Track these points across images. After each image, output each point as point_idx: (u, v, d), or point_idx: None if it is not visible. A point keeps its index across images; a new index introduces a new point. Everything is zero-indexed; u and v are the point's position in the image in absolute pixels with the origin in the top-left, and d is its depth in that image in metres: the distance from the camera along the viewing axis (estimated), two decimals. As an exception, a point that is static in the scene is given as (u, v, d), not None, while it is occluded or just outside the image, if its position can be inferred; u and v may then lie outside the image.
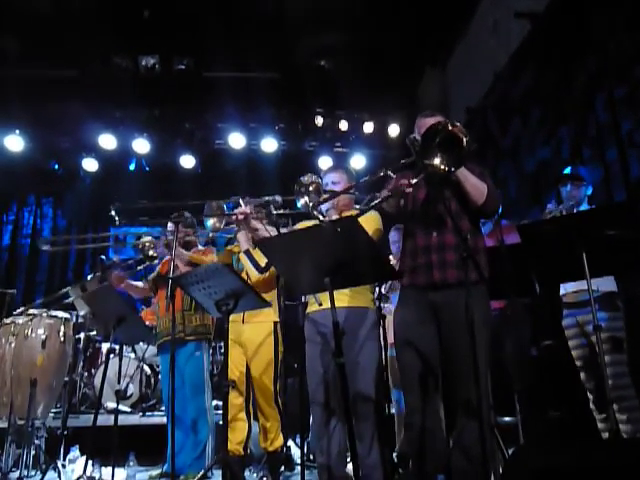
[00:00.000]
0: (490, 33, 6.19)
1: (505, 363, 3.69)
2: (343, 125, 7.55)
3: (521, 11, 5.35)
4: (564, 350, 3.68)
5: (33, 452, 4.17)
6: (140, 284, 4.16)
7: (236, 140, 7.51)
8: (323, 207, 3.13)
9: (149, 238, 3.79)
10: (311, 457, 4.33)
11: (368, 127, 7.64)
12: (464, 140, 2.29)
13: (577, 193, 3.58)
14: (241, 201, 3.35)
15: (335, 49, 7.08)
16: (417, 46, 6.98)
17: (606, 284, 3.35)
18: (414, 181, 2.48)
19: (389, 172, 2.54)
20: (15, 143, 7.25)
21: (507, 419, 4.04)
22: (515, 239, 3.02)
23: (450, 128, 2.34)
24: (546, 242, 2.74)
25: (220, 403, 5.05)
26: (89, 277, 4.45)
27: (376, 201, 2.63)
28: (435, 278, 2.55)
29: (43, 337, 4.23)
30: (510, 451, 3.17)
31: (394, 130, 7.58)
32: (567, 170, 3.75)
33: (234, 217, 3.37)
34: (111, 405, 5.24)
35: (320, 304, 2.99)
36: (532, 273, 3.04)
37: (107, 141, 7.35)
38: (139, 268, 4.08)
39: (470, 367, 2.20)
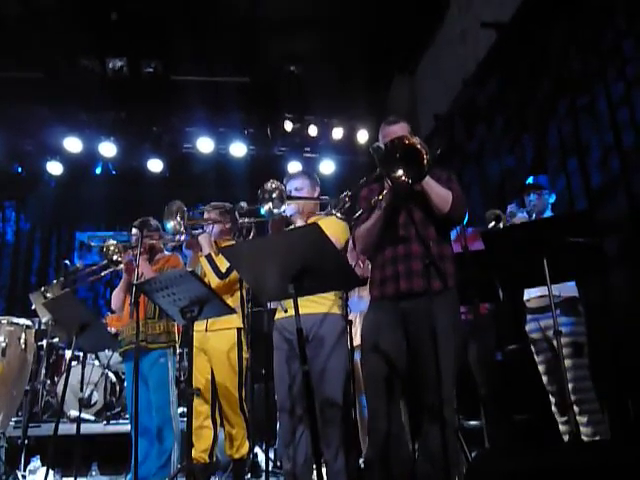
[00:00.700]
0: (458, 41, 6.28)
1: (470, 367, 3.74)
2: (312, 130, 7.55)
3: (487, 21, 5.44)
4: (528, 354, 3.75)
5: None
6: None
7: (204, 144, 7.46)
8: (288, 212, 3.14)
9: (113, 242, 3.72)
10: (278, 464, 4.32)
11: (337, 133, 7.66)
12: (424, 154, 2.33)
13: (540, 202, 3.66)
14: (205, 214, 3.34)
15: (305, 54, 7.10)
16: (386, 53, 7.05)
17: (568, 289, 3.43)
18: (381, 199, 2.50)
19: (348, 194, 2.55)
20: (-22, 147, 7.08)
21: (472, 423, 4.09)
22: (480, 246, 3.06)
23: (408, 142, 2.38)
24: (508, 248, 2.79)
25: (185, 410, 5.00)
26: (52, 282, 4.36)
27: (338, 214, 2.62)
28: (402, 288, 2.57)
29: (3, 345, 4.14)
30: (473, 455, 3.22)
31: (363, 136, 7.62)
32: (530, 180, 3.83)
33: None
34: (74, 413, 5.14)
35: (286, 310, 2.99)
36: (495, 279, 3.09)
37: (72, 144, 7.22)
38: (103, 274, 4.00)
39: (434, 372, 2.21)
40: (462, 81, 6.10)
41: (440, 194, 2.59)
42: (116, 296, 4.00)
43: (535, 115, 4.96)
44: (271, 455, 4.34)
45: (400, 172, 2.39)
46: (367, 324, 2.70)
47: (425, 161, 2.32)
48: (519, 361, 4.05)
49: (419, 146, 2.35)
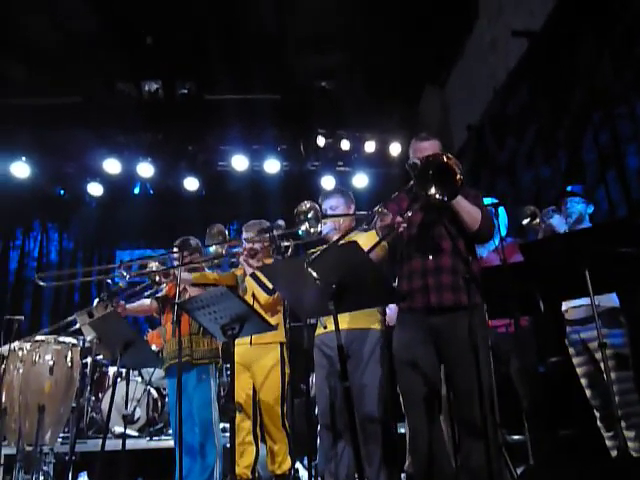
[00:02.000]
0: (488, 51, 6.26)
1: (512, 381, 3.69)
2: (345, 145, 7.60)
3: (518, 29, 5.41)
4: (571, 367, 3.68)
5: (41, 478, 4.16)
6: (145, 302, 4.16)
7: (239, 162, 7.57)
8: (325, 231, 3.17)
9: (155, 265, 3.79)
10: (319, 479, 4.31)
11: (370, 146, 7.69)
12: (458, 172, 2.35)
13: (578, 210, 3.60)
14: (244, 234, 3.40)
15: (336, 69, 7.17)
16: (417, 65, 7.06)
17: (608, 300, 3.36)
18: (408, 215, 2.52)
19: (385, 210, 2.58)
20: (21, 170, 7.34)
21: (516, 437, 4.02)
22: (519, 257, 3.04)
23: (443, 160, 2.40)
24: (548, 260, 2.76)
25: (228, 426, 5.04)
26: (95, 302, 4.46)
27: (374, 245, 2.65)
28: (432, 301, 2.58)
29: (51, 363, 4.25)
30: (519, 470, 3.17)
31: (395, 148, 7.63)
32: (568, 188, 3.78)
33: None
34: (118, 429, 5.24)
35: (325, 327, 3.01)
36: (536, 291, 3.05)
37: (112, 166, 7.42)
38: (146, 294, 4.09)
39: (472, 388, 2.21)
40: (493, 91, 6.08)
41: (470, 212, 2.63)
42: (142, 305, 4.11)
43: (569, 124, 4.89)
44: (312, 471, 4.34)
45: (433, 190, 2.42)
46: (398, 341, 2.71)
47: (458, 180, 2.35)
48: (562, 374, 3.98)
49: (453, 164, 2.37)
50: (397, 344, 2.70)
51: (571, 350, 3.62)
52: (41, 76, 6.86)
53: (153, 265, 3.81)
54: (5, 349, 4.69)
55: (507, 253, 3.53)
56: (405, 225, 2.53)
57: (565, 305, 3.60)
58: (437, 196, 2.42)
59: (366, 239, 2.83)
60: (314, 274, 2.13)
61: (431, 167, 2.43)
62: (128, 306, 4.09)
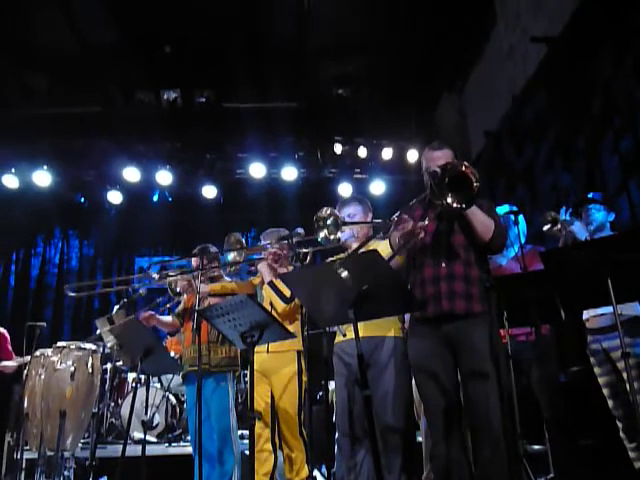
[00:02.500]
0: (506, 57, 6.24)
1: (533, 390, 3.65)
2: (362, 152, 7.61)
3: (537, 35, 5.39)
4: (593, 376, 3.63)
5: (63, 482, 4.21)
6: (169, 319, 4.20)
7: (257, 169, 7.62)
8: (343, 238, 3.18)
9: (175, 276, 3.81)
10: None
11: (387, 153, 7.68)
12: (474, 181, 2.35)
13: (599, 217, 3.57)
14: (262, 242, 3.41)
15: (353, 77, 7.20)
16: (434, 72, 7.07)
17: (630, 309, 3.30)
18: (426, 223, 2.53)
19: (404, 215, 2.58)
20: (43, 178, 7.46)
21: (536, 447, 3.98)
22: (539, 265, 3.01)
23: (463, 169, 2.41)
24: (570, 268, 2.73)
25: (245, 432, 5.05)
26: (115, 308, 4.51)
27: (395, 251, 2.65)
28: (444, 308, 2.58)
29: (72, 369, 4.30)
30: (541, 480, 3.14)
31: (413, 156, 7.61)
32: (589, 195, 3.74)
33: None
34: (137, 435, 5.28)
35: (344, 335, 3.01)
36: (557, 299, 3.02)
37: (131, 174, 7.51)
38: (168, 306, 4.13)
39: (486, 396, 2.20)
40: (511, 97, 6.05)
41: (484, 222, 2.64)
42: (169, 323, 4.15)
43: (589, 131, 4.85)
44: (329, 479, 4.33)
45: (450, 198, 2.43)
46: (415, 350, 2.71)
47: (475, 188, 2.35)
48: (584, 383, 3.92)
49: (471, 173, 2.38)
50: (414, 354, 2.71)
51: (592, 359, 3.57)
52: (62, 86, 6.98)
53: (173, 280, 3.83)
54: (27, 359, 4.78)
55: (527, 261, 3.51)
56: (424, 232, 2.54)
57: (586, 314, 3.56)
58: (454, 205, 2.42)
59: (385, 247, 2.83)
60: (345, 274, 2.12)
61: (449, 175, 2.43)
62: (162, 318, 4.12)
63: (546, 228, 3.76)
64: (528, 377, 3.66)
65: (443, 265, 2.65)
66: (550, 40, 5.21)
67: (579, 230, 3.49)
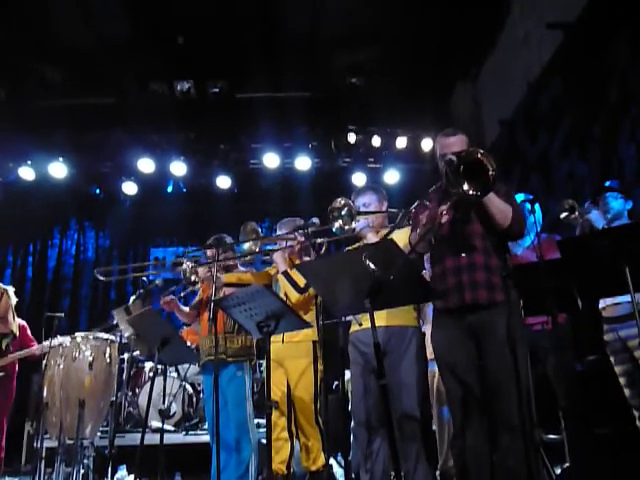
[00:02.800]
0: (521, 44, 6.17)
1: (549, 379, 3.64)
2: (376, 141, 7.57)
3: (552, 21, 5.32)
4: (609, 365, 3.61)
5: (82, 471, 4.27)
6: (187, 309, 4.23)
7: (270, 159, 7.61)
8: (358, 226, 3.17)
9: (189, 264, 3.84)
10: (353, 476, 4.33)
11: (401, 142, 7.64)
12: (491, 168, 2.33)
13: (617, 206, 3.53)
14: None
15: (366, 66, 7.15)
16: (448, 60, 7.00)
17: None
18: (445, 210, 2.51)
19: (425, 202, 2.57)
20: (59, 170, 7.52)
21: (552, 437, 3.98)
22: (555, 254, 2.99)
23: (479, 156, 2.38)
24: (587, 257, 2.72)
25: (262, 421, 5.09)
26: (132, 298, 4.55)
27: (418, 239, 2.65)
28: (466, 299, 2.57)
29: (90, 359, 4.35)
30: (557, 470, 3.14)
31: (427, 144, 7.57)
32: (606, 183, 3.71)
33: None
34: (155, 424, 5.35)
35: (360, 324, 3.02)
36: (573, 288, 3.00)
37: (146, 165, 7.54)
38: (182, 294, 4.15)
39: (510, 386, 2.19)
40: (527, 85, 5.99)
41: (501, 209, 2.61)
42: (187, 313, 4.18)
43: (605, 119, 4.79)
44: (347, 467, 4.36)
45: (466, 186, 2.41)
46: (438, 342, 2.71)
47: (491, 176, 2.33)
48: (600, 372, 3.91)
49: (487, 160, 2.35)
50: (437, 345, 2.70)
51: (609, 348, 3.55)
52: (77, 78, 7.01)
53: (187, 264, 3.84)
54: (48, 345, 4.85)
55: (542, 250, 3.48)
56: (447, 216, 2.52)
57: (602, 302, 3.54)
58: (470, 192, 2.40)
59: (402, 236, 2.83)
60: (372, 265, 2.12)
61: (465, 163, 2.41)
62: (184, 309, 4.14)
63: (563, 216, 3.73)
64: (544, 366, 3.65)
65: (463, 255, 2.63)
66: (566, 26, 5.15)
67: (596, 218, 3.46)
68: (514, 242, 3.21)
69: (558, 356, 3.60)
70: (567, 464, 3.51)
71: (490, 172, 2.35)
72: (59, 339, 4.52)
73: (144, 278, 5.02)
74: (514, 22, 6.29)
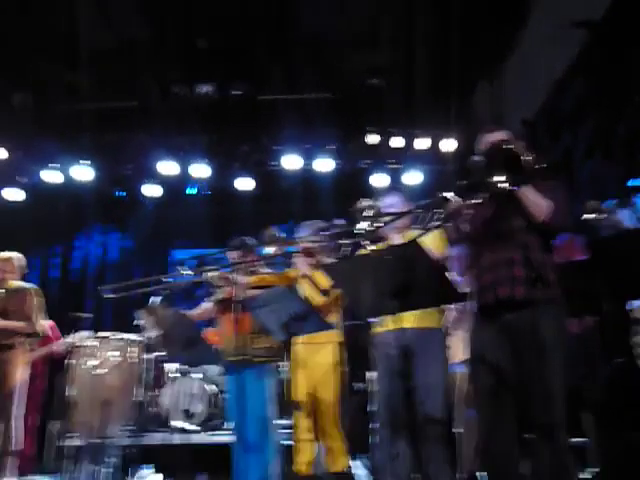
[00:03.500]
0: (545, 43, 6.10)
1: (576, 382, 3.59)
2: (396, 142, 7.53)
3: (577, 20, 5.26)
4: (637, 367, 3.55)
5: (107, 469, 4.33)
6: (208, 305, 4.25)
7: (291, 161, 7.61)
8: (382, 228, 3.16)
9: (215, 274, 3.85)
10: (375, 478, 4.32)
11: (421, 143, 7.58)
12: (525, 160, 2.28)
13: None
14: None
15: (386, 66, 7.13)
16: (468, 59, 6.94)
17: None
18: (473, 202, 2.47)
19: (448, 195, 2.52)
20: (83, 173, 7.61)
21: (577, 440, 3.92)
22: (580, 255, 2.96)
23: (512, 147, 2.33)
24: (617, 257, 2.68)
25: (285, 423, 5.11)
26: (155, 300, 4.58)
27: (435, 224, 2.63)
28: (503, 295, 2.51)
29: (114, 359, 4.42)
30: (582, 475, 3.10)
31: (448, 145, 7.50)
32: (630, 183, 3.66)
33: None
34: (179, 424, 5.38)
35: (384, 326, 3.01)
36: (602, 289, 2.96)
37: (168, 167, 7.59)
38: (205, 295, 4.18)
39: (544, 389, 2.16)
40: (550, 84, 5.93)
41: (537, 203, 2.51)
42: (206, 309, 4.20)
43: (630, 118, 4.72)
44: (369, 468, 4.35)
45: (499, 178, 2.36)
46: (472, 339, 2.66)
47: (525, 168, 2.28)
48: (628, 374, 3.84)
49: (520, 152, 2.30)
50: (473, 343, 2.65)
51: (637, 350, 3.50)
52: (100, 82, 7.10)
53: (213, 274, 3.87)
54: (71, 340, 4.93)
55: (566, 250, 3.44)
56: (472, 210, 2.48)
57: (632, 304, 3.48)
58: (504, 185, 2.33)
59: (429, 237, 2.81)
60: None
61: (497, 155, 2.35)
62: (192, 312, 4.16)
63: (587, 217, 3.68)
64: (571, 368, 3.60)
65: (501, 251, 2.57)
66: (591, 25, 5.08)
67: (626, 218, 3.41)
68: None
69: (585, 358, 3.56)
70: (596, 469, 3.47)
71: (523, 164, 2.28)
72: (79, 335, 4.60)
73: (166, 279, 5.05)
74: (537, 20, 6.23)
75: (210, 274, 3.79)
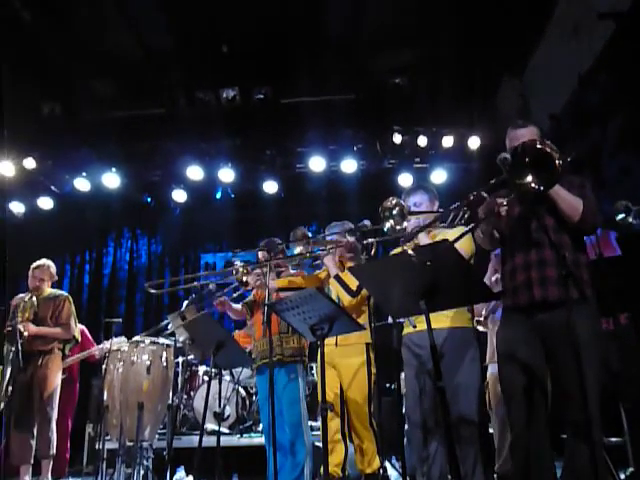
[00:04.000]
0: (570, 36, 6.00)
1: (612, 380, 3.53)
2: (422, 141, 7.48)
3: (604, 11, 5.16)
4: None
5: (142, 472, 4.39)
6: (238, 307, 4.30)
7: (316, 163, 7.62)
8: (410, 226, 3.15)
9: (241, 265, 3.89)
10: (407, 479, 4.30)
11: (447, 141, 7.53)
12: (556, 159, 2.24)
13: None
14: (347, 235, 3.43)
15: (410, 65, 7.10)
16: (493, 54, 6.87)
17: None
18: (504, 203, 2.45)
19: (483, 193, 2.50)
20: (112, 180, 7.76)
21: (614, 439, 3.85)
22: (612, 252, 2.91)
23: (541, 147, 2.30)
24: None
25: (315, 424, 5.12)
26: (185, 303, 4.64)
27: (469, 228, 2.61)
28: (536, 296, 2.49)
29: (148, 363, 4.48)
30: (621, 474, 3.04)
31: (474, 142, 7.43)
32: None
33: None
34: (210, 427, 5.44)
35: (414, 326, 3.00)
36: (636, 285, 2.90)
37: (194, 172, 7.68)
38: (234, 295, 4.21)
39: (579, 387, 2.12)
40: (577, 78, 5.82)
41: (570, 202, 2.49)
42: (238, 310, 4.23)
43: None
44: (400, 470, 4.33)
45: (529, 178, 2.33)
46: (502, 338, 2.64)
47: (556, 167, 2.24)
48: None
49: (550, 151, 2.26)
50: (501, 342, 2.63)
51: (675, 347, 3.42)
52: (126, 91, 7.22)
53: (239, 265, 3.90)
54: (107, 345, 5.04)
55: (601, 246, 3.38)
56: (505, 207, 2.46)
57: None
58: (533, 185, 2.31)
59: (453, 235, 2.79)
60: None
61: (526, 155, 2.31)
62: (231, 304, 4.20)
63: (620, 217, 3.62)
64: (607, 367, 3.54)
65: (533, 251, 2.55)
66: (618, 16, 4.99)
67: None
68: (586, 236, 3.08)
69: (621, 357, 3.49)
70: (631, 469, 3.40)
71: (555, 163, 2.25)
72: (116, 340, 4.69)
73: (197, 284, 5.11)
74: (563, 12, 6.13)
75: (236, 266, 3.81)
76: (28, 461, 4.49)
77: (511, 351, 2.55)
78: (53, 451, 4.70)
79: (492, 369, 3.94)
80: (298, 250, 3.69)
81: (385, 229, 3.08)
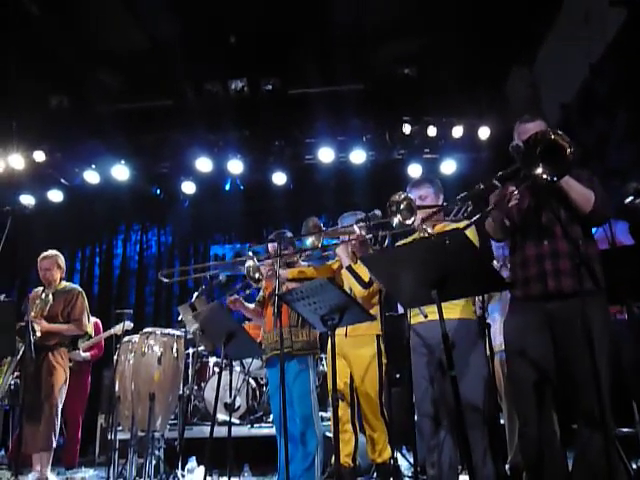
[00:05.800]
0: (581, 24, 5.93)
1: (623, 371, 3.51)
2: (431, 131, 7.43)
3: (616, -2, 5.10)
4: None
5: (154, 462, 4.42)
6: (252, 306, 4.29)
7: (325, 154, 7.60)
8: (417, 223, 3.12)
9: (252, 263, 3.88)
10: (418, 469, 4.31)
11: (457, 131, 7.47)
12: (567, 149, 2.23)
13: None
14: (355, 227, 3.40)
15: (418, 55, 7.04)
16: (502, 43, 6.80)
17: None
18: (516, 192, 2.44)
19: (495, 182, 2.48)
20: (121, 172, 7.78)
21: (626, 430, 3.83)
22: (625, 240, 2.88)
23: (552, 137, 2.28)
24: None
25: (325, 414, 5.13)
26: (195, 295, 4.66)
27: (476, 216, 2.59)
28: (549, 287, 2.49)
29: (159, 354, 4.50)
30: (633, 464, 3.02)
31: (484, 132, 7.38)
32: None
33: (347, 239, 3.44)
34: (222, 417, 5.48)
35: (425, 316, 2.99)
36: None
37: (203, 164, 7.68)
38: (247, 292, 4.21)
39: (592, 378, 2.12)
40: (588, 67, 5.76)
41: (582, 193, 2.50)
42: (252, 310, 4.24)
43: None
44: (411, 460, 4.35)
45: (540, 169, 2.31)
46: (510, 327, 2.64)
47: (568, 158, 2.23)
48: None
49: (562, 141, 2.25)
50: (509, 331, 2.64)
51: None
52: (134, 83, 7.22)
53: (250, 261, 3.89)
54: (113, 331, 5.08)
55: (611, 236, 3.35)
56: (517, 197, 2.45)
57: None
58: (544, 176, 2.29)
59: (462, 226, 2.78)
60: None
61: (538, 145, 2.30)
62: (244, 302, 4.20)
63: (629, 200, 3.58)
64: (618, 357, 3.52)
65: (545, 243, 2.55)
66: (630, 3, 4.93)
67: None
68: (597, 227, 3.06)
69: (633, 347, 3.46)
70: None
71: (566, 154, 2.23)
72: (122, 325, 4.74)
73: (207, 275, 5.12)
74: (573, 0, 6.06)
75: (248, 264, 3.81)
76: (39, 450, 4.53)
77: (520, 341, 2.55)
78: (55, 445, 4.70)
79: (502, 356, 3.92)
80: (309, 241, 3.67)
81: (393, 224, 3.04)
